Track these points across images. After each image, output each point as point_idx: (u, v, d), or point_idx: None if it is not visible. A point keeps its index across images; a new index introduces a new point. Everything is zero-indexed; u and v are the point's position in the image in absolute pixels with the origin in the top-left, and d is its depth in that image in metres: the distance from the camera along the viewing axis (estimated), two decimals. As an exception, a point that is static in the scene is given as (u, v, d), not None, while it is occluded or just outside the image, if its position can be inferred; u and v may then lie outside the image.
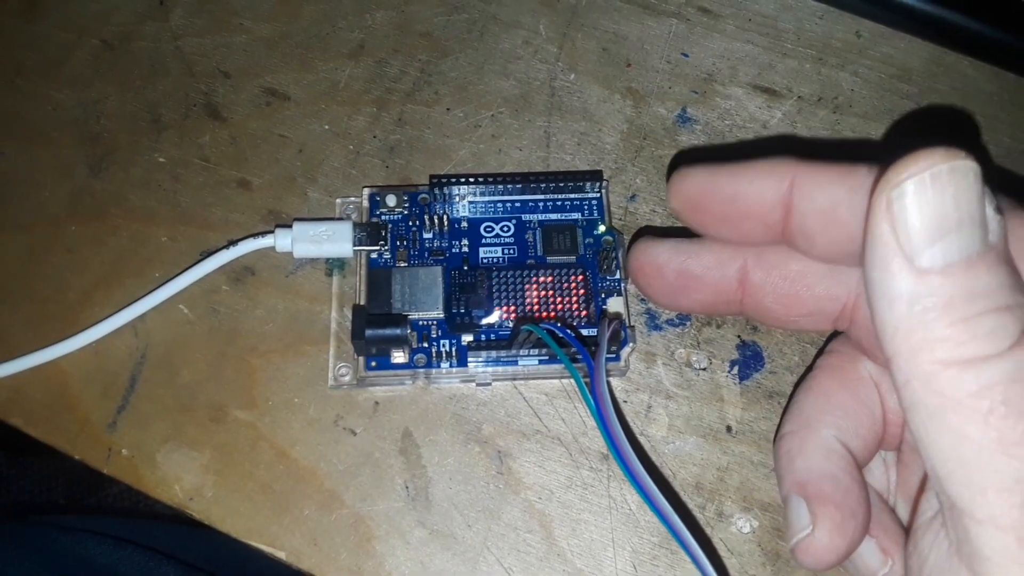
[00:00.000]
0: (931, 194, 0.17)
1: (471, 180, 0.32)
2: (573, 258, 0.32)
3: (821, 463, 0.24)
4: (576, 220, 0.33)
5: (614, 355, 0.30)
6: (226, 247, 0.32)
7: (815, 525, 0.22)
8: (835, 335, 0.28)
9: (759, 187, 0.24)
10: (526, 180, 0.32)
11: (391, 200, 0.33)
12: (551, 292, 0.31)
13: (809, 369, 0.27)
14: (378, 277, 0.31)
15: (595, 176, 0.33)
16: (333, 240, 0.31)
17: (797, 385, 0.27)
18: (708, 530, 0.29)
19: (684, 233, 0.27)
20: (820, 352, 0.28)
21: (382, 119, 0.35)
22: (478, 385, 0.31)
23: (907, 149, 0.18)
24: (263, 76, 0.36)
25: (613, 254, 0.31)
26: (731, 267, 0.26)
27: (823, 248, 0.23)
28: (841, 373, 0.26)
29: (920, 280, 0.17)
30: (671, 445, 0.30)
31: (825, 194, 0.22)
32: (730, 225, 0.25)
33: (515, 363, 0.30)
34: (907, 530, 0.24)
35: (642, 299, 0.32)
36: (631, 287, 0.32)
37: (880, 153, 0.19)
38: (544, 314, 0.31)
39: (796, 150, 0.25)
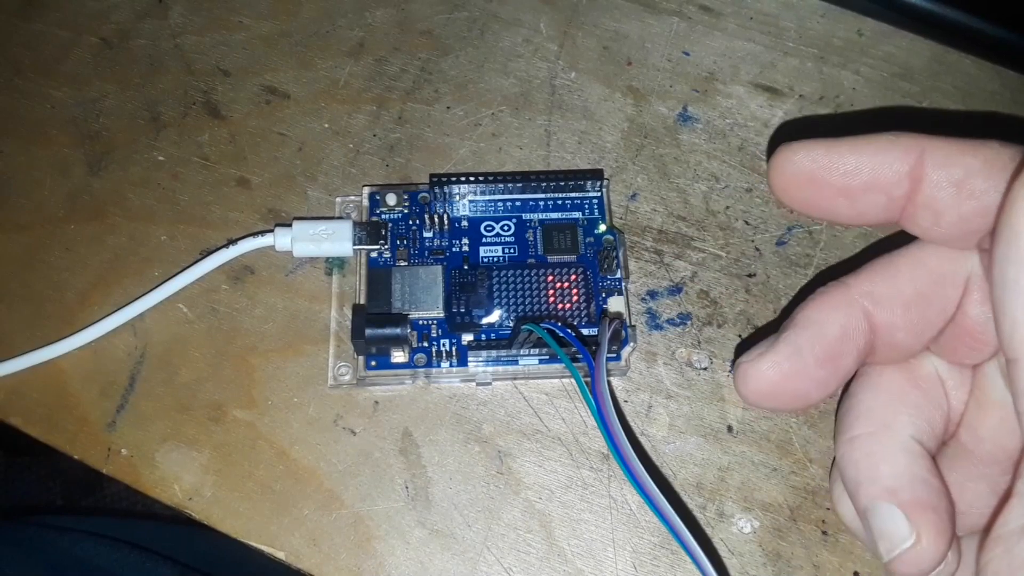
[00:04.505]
0: None
1: (471, 179, 0.32)
2: (574, 257, 0.32)
3: (909, 467, 0.22)
4: (577, 219, 0.32)
5: (615, 355, 0.30)
6: (225, 246, 0.32)
7: (920, 534, 0.21)
8: None
9: (887, 158, 0.22)
10: (526, 179, 0.32)
11: (391, 199, 0.32)
12: (552, 291, 0.31)
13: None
14: (378, 276, 0.31)
15: (596, 175, 0.32)
16: (333, 239, 0.31)
17: (848, 384, 0.25)
18: (709, 530, 0.29)
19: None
20: None
21: (382, 117, 0.35)
22: (478, 385, 0.30)
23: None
24: (263, 74, 0.36)
25: (614, 253, 0.31)
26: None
27: (949, 225, 0.22)
28: (908, 369, 0.24)
29: None
30: (672, 445, 0.30)
31: (959, 165, 0.21)
32: (850, 200, 0.23)
33: (515, 362, 0.30)
34: (984, 534, 0.23)
35: (643, 299, 0.32)
36: (631, 285, 0.32)
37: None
38: (544, 313, 0.30)
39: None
